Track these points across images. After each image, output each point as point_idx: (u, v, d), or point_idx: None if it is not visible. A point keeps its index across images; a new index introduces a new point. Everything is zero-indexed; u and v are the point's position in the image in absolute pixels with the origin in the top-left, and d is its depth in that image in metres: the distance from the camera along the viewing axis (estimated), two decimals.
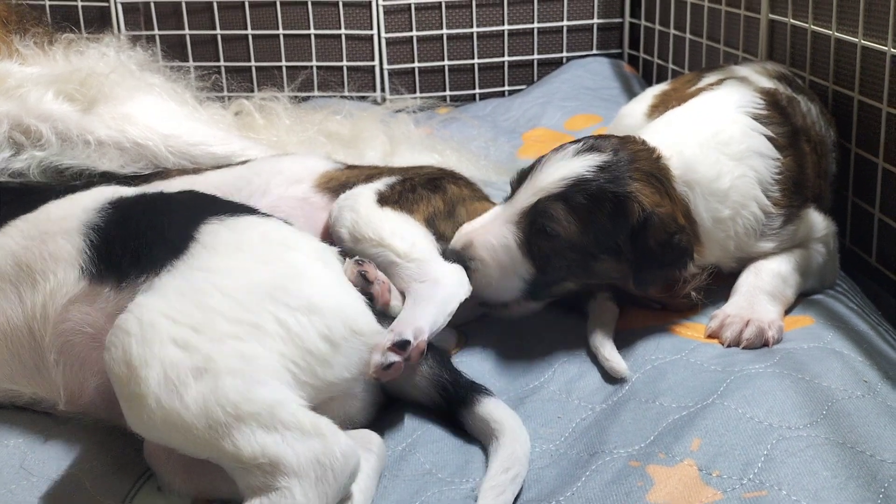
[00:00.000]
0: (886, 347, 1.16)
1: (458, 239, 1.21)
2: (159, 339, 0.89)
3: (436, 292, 1.12)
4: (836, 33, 1.57)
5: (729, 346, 1.17)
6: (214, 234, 1.03)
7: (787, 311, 1.27)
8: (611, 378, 1.12)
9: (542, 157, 1.23)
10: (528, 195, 1.19)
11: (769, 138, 1.32)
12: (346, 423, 1.00)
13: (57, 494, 0.98)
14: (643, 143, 1.24)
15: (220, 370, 0.88)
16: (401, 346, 1.02)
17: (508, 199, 1.23)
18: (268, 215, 1.12)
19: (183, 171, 1.44)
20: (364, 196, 1.24)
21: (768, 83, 1.51)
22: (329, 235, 1.27)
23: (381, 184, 1.28)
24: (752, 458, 0.91)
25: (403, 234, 1.19)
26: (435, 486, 0.98)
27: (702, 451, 0.93)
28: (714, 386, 1.04)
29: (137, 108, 1.46)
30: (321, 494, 0.84)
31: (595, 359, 1.17)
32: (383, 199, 1.24)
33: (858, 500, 0.85)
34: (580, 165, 1.17)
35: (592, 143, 1.22)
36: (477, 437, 1.03)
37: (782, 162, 1.31)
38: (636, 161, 1.19)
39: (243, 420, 0.86)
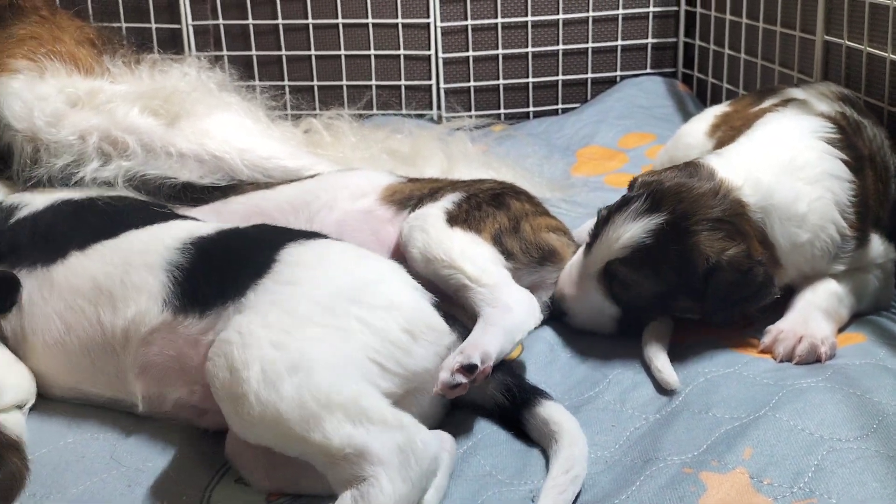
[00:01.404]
0: None
1: (556, 289, 1.33)
2: (257, 343, 0.97)
3: (507, 319, 1.16)
4: (891, 55, 1.59)
5: (781, 360, 1.20)
6: (295, 253, 1.12)
7: (841, 330, 1.29)
8: (663, 389, 1.16)
9: (612, 207, 1.28)
10: (601, 255, 1.26)
11: (844, 161, 1.33)
12: (420, 421, 1.06)
13: (144, 482, 1.06)
14: (711, 176, 1.25)
15: (311, 365, 0.96)
16: (469, 369, 1.06)
17: (588, 247, 1.30)
18: (339, 240, 1.20)
19: (257, 186, 1.53)
20: (433, 216, 1.29)
21: (834, 106, 1.52)
22: (395, 246, 1.33)
23: (448, 202, 1.33)
24: (802, 467, 0.94)
25: (474, 257, 1.24)
26: (495, 486, 1.03)
27: (753, 460, 0.96)
28: (766, 398, 1.08)
29: (216, 123, 1.56)
30: (405, 479, 0.90)
31: (649, 370, 1.21)
32: (452, 219, 1.29)
33: None
34: (640, 231, 1.22)
35: (653, 199, 1.23)
36: (536, 439, 1.08)
37: (856, 185, 1.33)
38: (698, 211, 1.21)
39: (332, 411, 0.93)
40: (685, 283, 1.21)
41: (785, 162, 1.29)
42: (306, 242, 1.16)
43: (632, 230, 1.22)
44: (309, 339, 0.98)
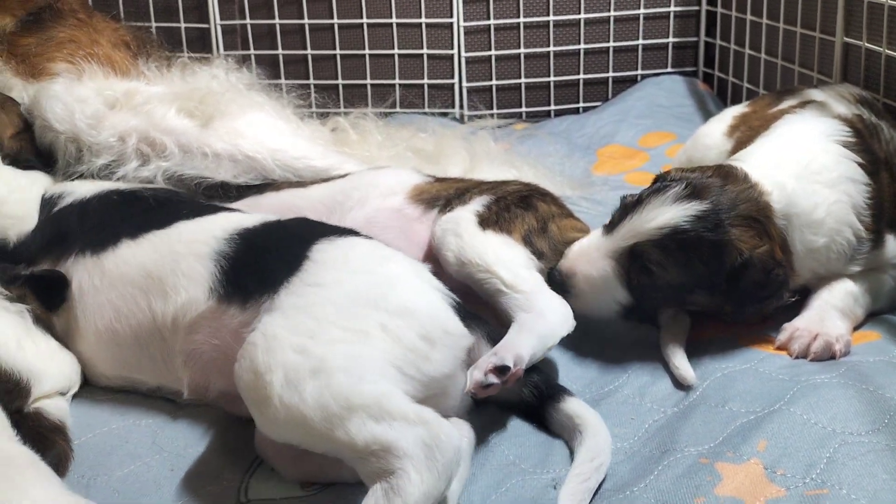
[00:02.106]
0: None
1: (563, 264, 1.29)
2: (280, 347, 1.01)
3: (540, 326, 1.18)
4: None
5: (797, 357, 1.24)
6: (324, 250, 1.17)
7: (856, 328, 1.33)
8: (681, 385, 1.20)
9: (645, 192, 1.27)
10: (629, 235, 1.24)
11: (860, 164, 1.36)
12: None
13: (185, 467, 1.12)
14: (745, 178, 1.27)
15: (332, 369, 0.99)
16: (501, 370, 1.09)
17: (610, 228, 1.28)
18: (368, 237, 1.24)
19: (290, 184, 1.58)
20: (465, 220, 1.32)
21: (852, 108, 1.54)
22: (423, 244, 1.38)
23: (478, 204, 1.36)
24: (815, 459, 0.98)
25: (508, 262, 1.26)
26: (518, 475, 1.08)
27: (768, 452, 1.00)
28: (781, 393, 1.12)
29: (248, 124, 1.61)
30: (431, 470, 0.93)
31: (667, 366, 1.25)
32: (483, 222, 1.32)
33: None
34: (679, 215, 1.21)
35: (695, 187, 1.24)
36: (559, 432, 1.13)
37: (872, 187, 1.35)
38: (737, 205, 1.23)
39: (354, 411, 0.96)
40: (709, 276, 1.23)
41: (803, 167, 1.32)
42: (336, 240, 1.20)
43: (670, 213, 1.22)
44: (329, 342, 1.02)
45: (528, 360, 1.12)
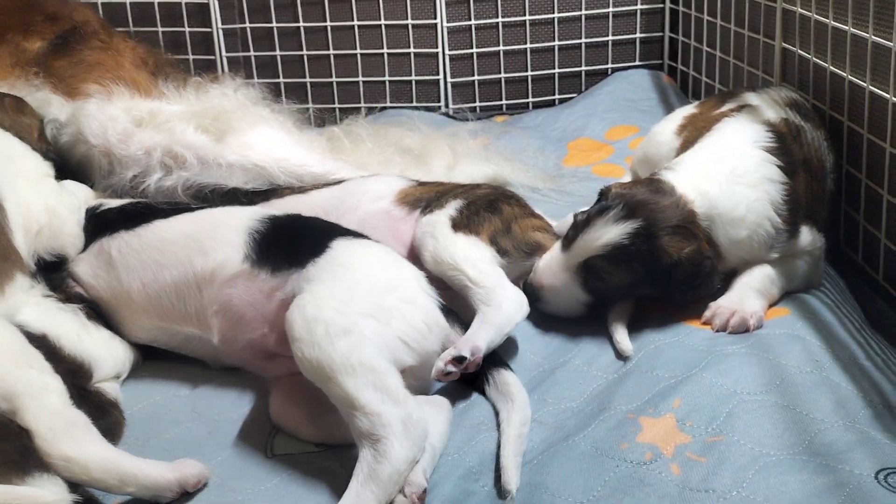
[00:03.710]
0: (845, 335, 1.46)
1: (533, 278, 1.57)
2: (325, 306, 1.28)
3: (497, 317, 1.42)
4: (831, 67, 1.85)
5: (717, 331, 1.49)
6: (345, 244, 1.44)
7: (772, 306, 1.58)
8: (620, 356, 1.47)
9: (591, 211, 1.53)
10: (581, 252, 1.51)
11: (779, 167, 1.61)
12: (426, 386, 1.38)
13: (221, 430, 1.38)
14: (672, 191, 1.53)
15: (360, 334, 1.26)
16: (459, 360, 1.33)
17: (567, 244, 1.54)
18: (378, 242, 1.51)
19: (292, 190, 1.83)
20: (440, 223, 1.58)
21: (780, 113, 1.76)
22: (407, 241, 1.63)
23: (452, 209, 1.61)
24: (716, 413, 1.25)
25: (475, 260, 1.51)
26: (486, 432, 1.33)
27: (680, 408, 1.27)
28: (698, 361, 1.38)
29: (256, 137, 1.86)
30: (408, 439, 1.19)
31: (611, 341, 1.51)
32: (456, 225, 1.57)
33: (789, 445, 1.18)
34: (618, 233, 1.48)
35: (630, 207, 1.49)
36: (493, 397, 1.38)
37: (789, 186, 1.60)
38: (664, 220, 1.49)
39: (365, 375, 1.22)
40: (650, 275, 1.50)
41: (728, 171, 1.57)
42: (353, 239, 1.47)
43: (611, 232, 1.49)
44: (361, 313, 1.29)
45: (485, 348, 1.37)
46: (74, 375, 1.37)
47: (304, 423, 1.36)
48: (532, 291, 1.56)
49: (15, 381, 1.20)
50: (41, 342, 1.36)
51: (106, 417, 1.36)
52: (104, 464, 1.18)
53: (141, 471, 1.19)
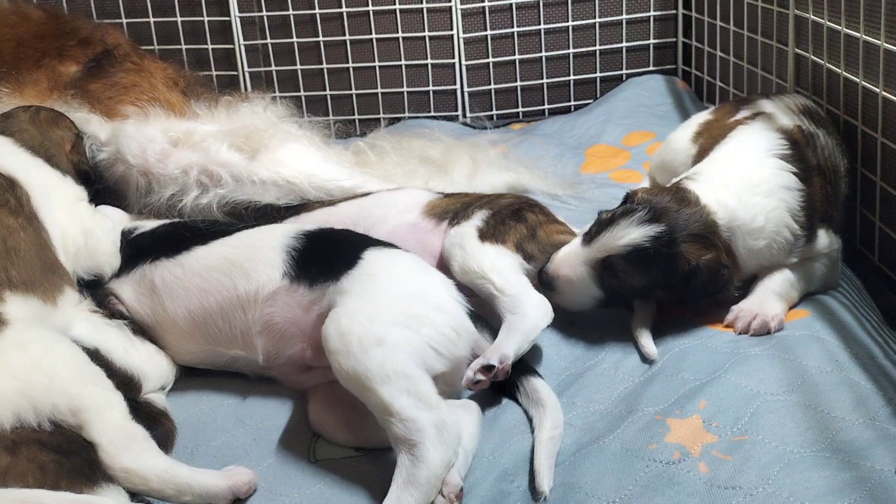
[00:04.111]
0: (863, 334, 1.51)
1: (549, 267, 1.59)
2: (358, 317, 1.33)
3: (524, 324, 1.47)
4: (844, 73, 1.89)
5: (740, 334, 1.54)
6: (376, 255, 1.50)
7: (792, 308, 1.63)
8: (645, 359, 1.52)
9: (617, 212, 1.57)
10: (602, 249, 1.54)
11: (794, 174, 1.65)
12: (457, 391, 1.44)
13: (265, 437, 1.44)
14: (696, 201, 1.56)
15: (393, 344, 1.31)
16: (488, 368, 1.38)
17: (588, 239, 1.57)
18: (407, 251, 1.56)
19: (322, 204, 1.89)
20: (468, 234, 1.64)
21: (794, 120, 1.81)
22: (436, 252, 1.68)
23: (478, 220, 1.67)
24: (741, 414, 1.30)
25: (500, 269, 1.56)
26: (519, 435, 1.39)
27: (706, 409, 1.32)
28: (722, 363, 1.43)
29: (287, 154, 1.93)
30: (443, 443, 1.24)
31: (636, 344, 1.56)
32: (482, 235, 1.63)
33: (811, 442, 1.23)
34: (641, 235, 1.52)
35: (655, 212, 1.53)
36: (524, 403, 1.43)
37: (805, 192, 1.64)
38: (688, 226, 1.53)
39: (399, 382, 1.27)
40: (666, 279, 1.55)
41: (745, 182, 1.61)
42: (384, 249, 1.53)
43: (634, 233, 1.54)
44: (390, 322, 1.34)
45: (513, 356, 1.42)
46: (125, 388, 1.43)
47: (342, 429, 1.42)
48: (547, 280, 1.59)
49: (81, 397, 1.27)
50: (94, 357, 1.42)
51: (158, 427, 1.43)
52: (162, 475, 1.25)
53: (196, 480, 1.26)
